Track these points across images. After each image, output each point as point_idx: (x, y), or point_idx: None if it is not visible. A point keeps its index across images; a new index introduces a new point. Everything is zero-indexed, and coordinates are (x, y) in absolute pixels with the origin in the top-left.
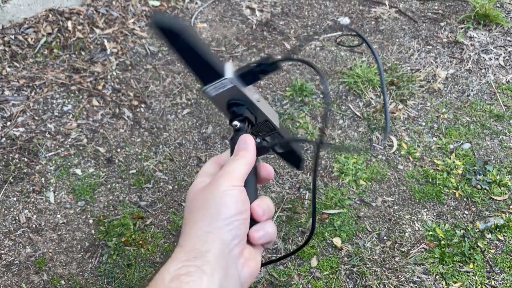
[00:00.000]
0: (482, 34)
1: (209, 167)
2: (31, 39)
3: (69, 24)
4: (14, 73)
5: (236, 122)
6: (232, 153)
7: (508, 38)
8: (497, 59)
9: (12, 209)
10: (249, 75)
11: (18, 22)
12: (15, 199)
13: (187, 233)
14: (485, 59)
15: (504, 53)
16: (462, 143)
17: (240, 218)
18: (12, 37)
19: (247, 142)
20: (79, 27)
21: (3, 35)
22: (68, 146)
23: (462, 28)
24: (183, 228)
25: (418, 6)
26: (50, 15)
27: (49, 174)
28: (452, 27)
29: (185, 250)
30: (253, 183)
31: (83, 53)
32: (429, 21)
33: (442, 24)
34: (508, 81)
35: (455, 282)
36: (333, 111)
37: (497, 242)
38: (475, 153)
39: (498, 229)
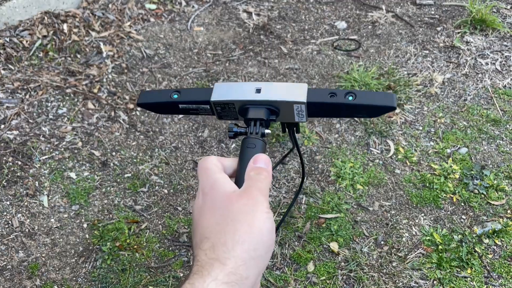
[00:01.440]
0: (478, 39)
1: (218, 164)
2: (26, 41)
3: (65, 26)
4: (9, 75)
5: (268, 130)
6: (242, 154)
7: (505, 43)
8: (494, 63)
9: (5, 213)
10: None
11: (13, 25)
12: (8, 203)
13: (230, 249)
14: (482, 64)
15: (501, 58)
16: (459, 148)
17: (272, 249)
18: (7, 39)
19: (269, 163)
20: (75, 30)
21: None
22: (62, 149)
23: (458, 33)
24: (220, 235)
25: (414, 10)
26: (46, 18)
27: (43, 177)
28: (448, 32)
29: (226, 270)
30: None
31: (78, 56)
32: (425, 26)
33: (438, 28)
34: (505, 86)
35: None
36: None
37: (495, 247)
38: (472, 158)
39: (495, 234)
